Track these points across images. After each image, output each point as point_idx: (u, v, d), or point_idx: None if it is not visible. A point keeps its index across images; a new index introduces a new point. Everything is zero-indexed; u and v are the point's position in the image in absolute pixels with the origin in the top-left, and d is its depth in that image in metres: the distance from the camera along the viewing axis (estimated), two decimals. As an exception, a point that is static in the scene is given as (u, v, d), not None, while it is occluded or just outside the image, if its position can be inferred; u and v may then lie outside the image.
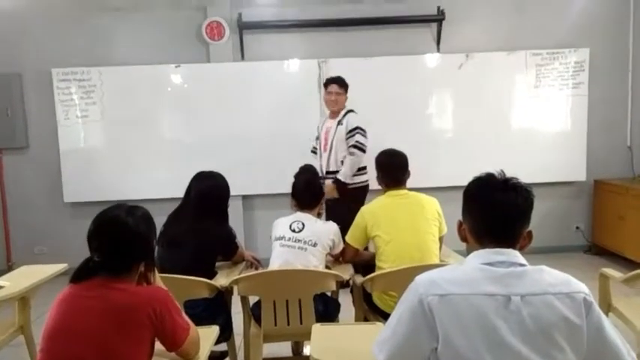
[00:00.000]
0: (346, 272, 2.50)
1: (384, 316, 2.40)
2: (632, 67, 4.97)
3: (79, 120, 4.81)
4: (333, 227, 2.61)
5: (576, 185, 5.06)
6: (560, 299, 1.15)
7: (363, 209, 2.62)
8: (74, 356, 1.41)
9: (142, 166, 4.85)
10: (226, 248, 2.69)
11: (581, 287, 1.19)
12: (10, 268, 4.61)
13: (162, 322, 1.47)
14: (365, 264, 2.61)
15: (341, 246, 2.62)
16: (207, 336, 1.78)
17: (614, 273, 2.52)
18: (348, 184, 3.89)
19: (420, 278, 1.24)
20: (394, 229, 2.45)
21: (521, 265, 1.22)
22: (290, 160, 4.74)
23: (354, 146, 3.87)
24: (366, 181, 3.98)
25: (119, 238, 1.49)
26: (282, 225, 2.58)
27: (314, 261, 2.45)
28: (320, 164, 4.04)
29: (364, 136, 3.89)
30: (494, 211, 1.28)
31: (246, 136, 4.81)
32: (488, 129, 4.88)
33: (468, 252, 1.33)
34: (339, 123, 3.95)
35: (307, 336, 1.84)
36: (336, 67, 4.74)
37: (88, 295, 1.46)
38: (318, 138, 4.18)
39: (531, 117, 4.90)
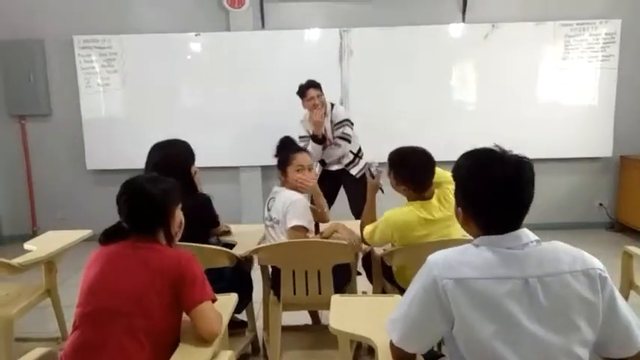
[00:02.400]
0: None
1: (402, 290, 2.40)
2: (665, 39, 4.78)
3: (100, 88, 4.83)
4: (287, 201, 2.43)
5: (601, 161, 4.94)
6: (577, 277, 1.13)
7: (390, 220, 2.27)
8: (113, 310, 1.48)
9: (163, 134, 4.78)
10: (204, 219, 2.43)
11: (595, 262, 1.16)
12: (34, 234, 4.73)
13: (183, 274, 1.54)
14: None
15: (293, 222, 2.37)
16: (226, 303, 1.81)
17: (638, 251, 2.48)
18: (352, 174, 3.87)
19: (434, 259, 1.20)
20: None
21: (537, 241, 1.18)
22: (310, 131, 4.76)
23: (341, 137, 3.80)
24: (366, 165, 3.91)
25: (140, 204, 1.62)
26: (265, 203, 2.61)
27: (282, 238, 2.43)
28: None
29: (351, 128, 3.83)
30: (501, 193, 1.18)
31: (266, 106, 4.78)
32: (512, 102, 4.78)
33: (472, 234, 1.27)
34: (331, 121, 3.82)
35: (325, 306, 1.85)
36: (358, 37, 4.66)
37: (122, 253, 1.59)
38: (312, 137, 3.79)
39: (558, 90, 4.76)
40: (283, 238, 2.43)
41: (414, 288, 1.21)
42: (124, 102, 4.89)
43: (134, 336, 1.46)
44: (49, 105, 4.96)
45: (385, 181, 2.43)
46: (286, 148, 2.64)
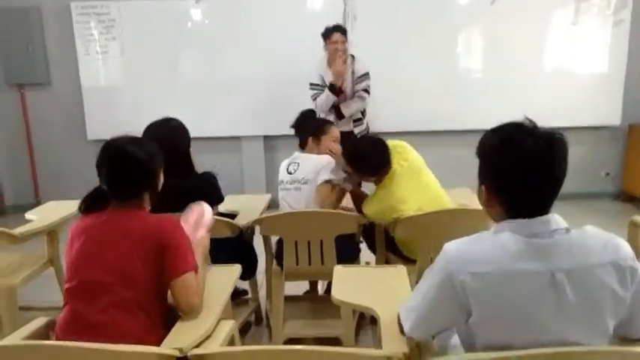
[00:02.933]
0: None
1: (406, 259, 2.39)
2: (680, 4, 4.62)
3: (99, 56, 4.75)
4: (320, 163, 2.48)
5: (610, 130, 4.86)
6: (607, 270, 1.05)
7: (376, 213, 2.32)
8: (99, 283, 1.45)
9: (164, 104, 4.81)
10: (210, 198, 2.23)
11: (627, 252, 1.08)
12: (38, 203, 4.73)
13: (167, 242, 1.49)
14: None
15: (323, 177, 2.44)
16: (230, 274, 1.80)
17: (645, 221, 2.44)
18: (355, 133, 3.77)
19: (450, 251, 1.12)
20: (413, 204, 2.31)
21: (566, 229, 1.09)
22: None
23: (365, 90, 3.71)
24: (367, 126, 3.89)
25: (124, 167, 1.53)
26: (282, 169, 2.60)
27: (310, 198, 2.45)
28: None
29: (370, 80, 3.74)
30: (531, 168, 1.08)
31: (268, 74, 4.70)
32: (519, 69, 4.67)
33: (494, 218, 1.18)
34: (352, 71, 3.71)
35: (328, 276, 1.85)
36: (362, 2, 4.54)
37: (104, 223, 1.52)
38: (326, 86, 3.67)
39: (567, 57, 4.65)
40: (312, 197, 2.44)
41: (429, 280, 1.15)
42: (124, 70, 4.81)
43: (125, 307, 1.44)
44: (48, 73, 4.88)
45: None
46: (315, 118, 2.72)
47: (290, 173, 2.54)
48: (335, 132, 2.66)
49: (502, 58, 4.67)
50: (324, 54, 3.69)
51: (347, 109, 3.71)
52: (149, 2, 4.65)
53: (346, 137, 3.69)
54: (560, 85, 4.67)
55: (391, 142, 2.41)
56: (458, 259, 1.09)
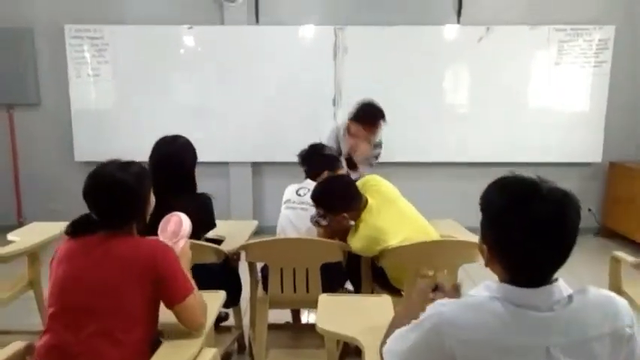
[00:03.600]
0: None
1: (392, 291, 2.39)
2: (657, 47, 4.81)
3: (90, 79, 4.77)
4: None
5: (591, 167, 4.97)
6: (604, 342, 1.03)
7: (362, 248, 2.31)
8: (87, 308, 1.42)
9: (154, 128, 4.74)
10: (203, 220, 2.34)
11: (626, 318, 1.06)
12: (20, 224, 4.65)
13: (163, 272, 1.46)
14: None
15: None
16: (214, 300, 1.79)
17: (626, 257, 2.48)
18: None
19: (444, 314, 1.06)
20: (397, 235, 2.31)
21: (569, 297, 1.04)
22: (301, 129, 4.72)
23: (376, 157, 3.54)
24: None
25: (113, 196, 1.49)
26: (290, 190, 2.67)
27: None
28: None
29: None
30: (541, 238, 1.01)
31: (258, 102, 4.75)
32: (504, 105, 4.78)
33: (496, 273, 1.12)
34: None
35: (313, 304, 1.84)
36: (353, 35, 4.65)
37: (93, 246, 1.48)
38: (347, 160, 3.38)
39: (550, 95, 4.78)
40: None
41: (418, 334, 1.10)
42: (115, 93, 4.83)
43: (109, 336, 1.40)
44: (38, 94, 4.88)
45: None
46: (329, 153, 2.86)
47: (299, 195, 2.59)
48: (343, 170, 2.87)
49: (488, 95, 4.78)
50: (343, 123, 3.42)
51: (354, 174, 3.48)
52: (142, 27, 4.70)
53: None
54: (543, 122, 4.79)
55: (362, 179, 2.48)
56: (450, 323, 1.05)
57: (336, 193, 2.34)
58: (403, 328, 1.17)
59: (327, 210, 2.33)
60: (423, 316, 1.11)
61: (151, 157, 2.42)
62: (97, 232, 1.51)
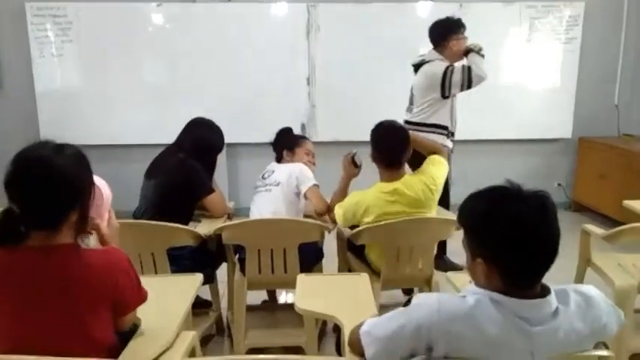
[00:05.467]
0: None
1: (370, 267, 2.41)
2: (625, 25, 4.88)
3: (54, 59, 4.59)
4: (294, 168, 2.58)
5: (561, 142, 5.07)
6: (584, 343, 1.12)
7: (352, 199, 2.35)
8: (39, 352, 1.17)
9: (122, 109, 4.70)
10: (198, 185, 2.52)
11: (602, 319, 1.14)
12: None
13: (122, 293, 1.28)
14: None
15: (309, 182, 2.51)
16: (191, 284, 1.76)
17: (595, 229, 2.56)
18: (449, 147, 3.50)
19: (443, 304, 1.08)
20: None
21: (555, 311, 1.08)
22: (276, 109, 4.68)
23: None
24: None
25: (45, 183, 1.19)
26: (259, 176, 2.70)
27: (280, 198, 2.50)
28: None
29: None
30: (531, 233, 1.05)
31: (230, 82, 4.66)
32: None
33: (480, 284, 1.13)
34: None
35: (291, 284, 1.84)
36: (326, 13, 4.59)
37: (30, 268, 1.19)
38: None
39: (521, 72, 4.82)
40: (281, 198, 2.49)
41: (405, 320, 1.10)
42: (81, 74, 4.66)
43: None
44: (1, 76, 4.68)
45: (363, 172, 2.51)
46: (292, 133, 2.88)
47: (264, 178, 2.64)
48: (308, 145, 2.78)
49: (461, 71, 4.79)
50: (435, 54, 3.45)
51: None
52: (108, 4, 4.53)
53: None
54: (514, 99, 4.84)
55: (432, 167, 2.40)
56: (448, 314, 1.07)
57: (384, 129, 2.35)
58: (387, 314, 1.17)
59: (370, 140, 2.35)
60: (414, 304, 1.13)
61: (187, 134, 2.64)
62: (26, 237, 1.20)
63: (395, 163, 2.31)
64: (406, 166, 2.41)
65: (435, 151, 2.54)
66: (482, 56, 3.38)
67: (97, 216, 1.42)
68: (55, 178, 1.20)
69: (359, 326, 1.22)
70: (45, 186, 1.19)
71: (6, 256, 1.20)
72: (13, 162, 1.22)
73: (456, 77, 3.29)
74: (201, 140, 2.60)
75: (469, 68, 3.29)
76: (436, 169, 2.40)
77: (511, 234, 1.05)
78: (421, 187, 2.29)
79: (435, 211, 2.42)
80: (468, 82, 3.29)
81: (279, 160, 2.77)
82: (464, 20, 3.56)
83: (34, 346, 1.18)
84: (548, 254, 1.08)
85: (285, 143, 2.76)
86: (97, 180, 1.41)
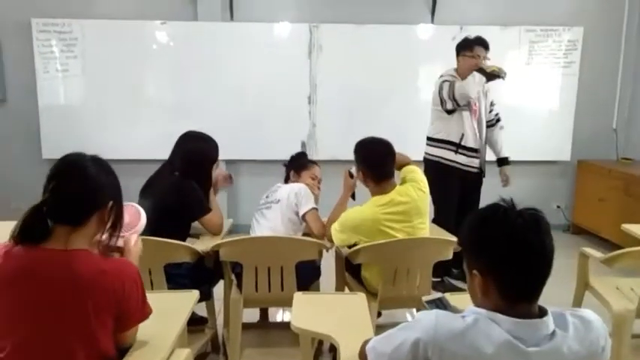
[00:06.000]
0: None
1: (367, 288, 2.40)
2: (624, 49, 4.95)
3: (58, 74, 4.64)
4: (295, 186, 2.62)
5: (560, 165, 5.09)
6: None
7: (347, 220, 2.33)
8: (46, 345, 1.25)
9: (125, 125, 4.74)
10: (195, 207, 2.50)
11: (600, 341, 1.12)
12: (-15, 224, 4.50)
13: (127, 303, 1.32)
14: None
15: (308, 206, 2.53)
16: (187, 300, 1.76)
17: (594, 252, 2.55)
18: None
19: (441, 322, 1.09)
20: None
21: (552, 333, 1.08)
22: (277, 127, 4.71)
23: (499, 120, 3.66)
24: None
25: (77, 181, 1.34)
26: (263, 196, 2.73)
27: (278, 216, 2.53)
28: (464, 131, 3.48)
29: None
30: (522, 241, 1.06)
31: (233, 100, 4.70)
32: (477, 104, 4.84)
33: (478, 303, 1.14)
34: (486, 94, 3.59)
35: (288, 302, 1.83)
36: (328, 33, 4.65)
37: (43, 263, 1.28)
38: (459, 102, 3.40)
39: (520, 95, 4.85)
40: (280, 215, 2.52)
41: (409, 331, 1.13)
42: (84, 90, 4.71)
43: None
44: (4, 90, 4.72)
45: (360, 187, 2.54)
46: (305, 157, 2.94)
47: (267, 197, 2.67)
48: (315, 171, 2.81)
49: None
50: (451, 70, 3.51)
51: (504, 150, 3.68)
52: (113, 22, 4.60)
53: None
54: (513, 121, 4.82)
55: (411, 170, 2.45)
56: (440, 331, 1.08)
57: (368, 145, 2.39)
58: (391, 330, 1.18)
59: (355, 159, 2.40)
60: (414, 319, 1.15)
61: (177, 148, 2.62)
62: (48, 236, 1.30)
63: (388, 175, 2.36)
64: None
65: (405, 163, 2.54)
66: (496, 77, 3.38)
67: (129, 235, 1.58)
68: (87, 179, 1.35)
69: (367, 341, 1.25)
70: (77, 183, 1.34)
71: (23, 255, 1.29)
72: (59, 160, 1.39)
73: (444, 91, 3.39)
74: (192, 153, 2.56)
75: (453, 84, 3.36)
76: (417, 175, 2.44)
77: (504, 242, 1.07)
78: (414, 191, 2.33)
79: (427, 217, 2.43)
80: (453, 97, 3.35)
81: (286, 181, 2.81)
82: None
83: (37, 346, 1.24)
84: (541, 266, 1.09)
85: (295, 166, 2.83)
86: (137, 207, 1.72)
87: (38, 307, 1.26)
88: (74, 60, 4.62)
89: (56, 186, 1.32)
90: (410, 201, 2.30)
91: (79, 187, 1.34)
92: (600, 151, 5.04)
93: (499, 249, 1.08)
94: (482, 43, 3.46)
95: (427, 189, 2.42)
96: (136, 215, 1.69)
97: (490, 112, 3.63)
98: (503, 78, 3.37)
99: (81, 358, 1.26)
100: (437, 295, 1.50)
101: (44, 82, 4.64)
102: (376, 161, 2.35)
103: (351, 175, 2.53)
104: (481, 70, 3.36)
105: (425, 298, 1.46)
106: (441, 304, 1.40)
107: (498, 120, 3.66)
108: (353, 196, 2.57)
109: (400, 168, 2.49)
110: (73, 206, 1.32)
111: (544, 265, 1.09)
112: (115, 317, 1.32)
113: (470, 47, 3.44)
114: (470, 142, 3.48)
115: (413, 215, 2.30)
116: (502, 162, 3.71)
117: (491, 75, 3.36)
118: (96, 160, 1.41)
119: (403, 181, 2.42)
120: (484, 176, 3.66)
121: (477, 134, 3.51)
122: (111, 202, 1.38)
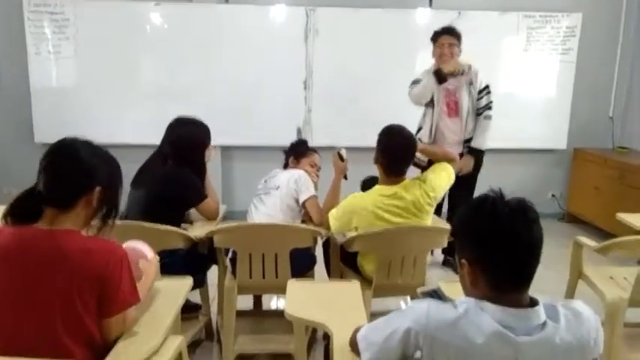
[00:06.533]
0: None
1: (362, 275, 2.40)
2: (622, 37, 4.92)
3: (50, 55, 4.56)
4: (295, 173, 2.61)
5: (556, 153, 5.09)
6: (573, 356, 1.09)
7: (347, 203, 2.33)
8: (34, 324, 1.27)
9: (118, 108, 4.68)
10: (191, 195, 2.48)
11: (591, 334, 1.11)
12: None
13: (110, 283, 1.31)
14: None
15: (308, 193, 2.53)
16: (181, 287, 1.75)
17: (588, 241, 2.55)
18: (484, 151, 3.57)
19: (433, 311, 1.09)
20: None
21: (544, 323, 1.08)
22: (273, 112, 4.67)
23: (489, 108, 3.53)
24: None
25: (66, 163, 1.36)
26: (261, 180, 2.72)
27: (277, 202, 2.53)
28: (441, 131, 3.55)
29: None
30: (509, 229, 1.07)
31: (228, 84, 4.65)
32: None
33: (467, 293, 1.15)
34: (470, 82, 3.52)
35: (282, 290, 1.82)
36: (325, 17, 4.59)
37: (36, 247, 1.29)
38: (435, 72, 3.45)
39: (517, 82, 4.83)
40: (279, 201, 2.52)
41: (400, 320, 1.13)
42: (77, 71, 4.64)
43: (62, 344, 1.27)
44: (-5, 72, 4.66)
45: (351, 166, 2.56)
46: (305, 144, 2.90)
47: (265, 182, 2.68)
48: (315, 158, 2.80)
49: (458, 80, 4.79)
50: (432, 63, 3.57)
51: (479, 141, 3.54)
52: (106, 3, 4.51)
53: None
54: (510, 108, 4.82)
55: (437, 176, 2.40)
56: (432, 320, 1.08)
57: (394, 138, 2.34)
58: (382, 318, 1.18)
59: (377, 141, 2.35)
60: (407, 307, 1.16)
61: (167, 135, 2.57)
62: (38, 217, 1.33)
63: (399, 172, 2.33)
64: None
65: (447, 160, 2.54)
66: (451, 77, 3.40)
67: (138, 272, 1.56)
68: (76, 161, 1.36)
69: (358, 329, 1.25)
70: (66, 165, 1.36)
71: (14, 234, 1.32)
72: (58, 140, 1.40)
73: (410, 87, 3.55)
74: (182, 138, 2.51)
75: (413, 87, 3.53)
76: (437, 177, 2.40)
77: (490, 232, 1.08)
78: (420, 192, 2.30)
79: (430, 220, 2.41)
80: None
81: (285, 167, 2.81)
82: (461, 27, 3.59)
83: (21, 324, 1.27)
84: (528, 255, 1.09)
85: (294, 152, 2.82)
86: (149, 251, 1.72)
87: (24, 285, 1.28)
88: (66, 41, 4.54)
89: (46, 166, 1.35)
90: (412, 198, 2.29)
91: (67, 169, 1.35)
92: (596, 139, 5.03)
93: (486, 238, 1.09)
94: (447, 31, 3.50)
95: (438, 194, 2.38)
96: (146, 253, 1.70)
97: (479, 99, 3.56)
98: (460, 75, 3.44)
99: (65, 339, 1.27)
100: (432, 287, 1.49)
101: (36, 64, 4.56)
102: (394, 156, 2.32)
103: (341, 158, 2.54)
104: (437, 73, 3.42)
105: (420, 290, 1.46)
106: (435, 296, 1.39)
107: (489, 108, 3.57)
108: (345, 177, 2.58)
109: (438, 162, 2.50)
110: (60, 187, 1.34)
111: (531, 254, 1.09)
112: (97, 298, 1.31)
113: (435, 39, 3.55)
114: (424, 137, 3.55)
115: (411, 213, 2.30)
116: (469, 150, 3.57)
117: (444, 79, 3.41)
118: (89, 145, 1.41)
119: (419, 177, 2.40)
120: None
121: (434, 132, 3.55)
122: (99, 188, 1.36)
